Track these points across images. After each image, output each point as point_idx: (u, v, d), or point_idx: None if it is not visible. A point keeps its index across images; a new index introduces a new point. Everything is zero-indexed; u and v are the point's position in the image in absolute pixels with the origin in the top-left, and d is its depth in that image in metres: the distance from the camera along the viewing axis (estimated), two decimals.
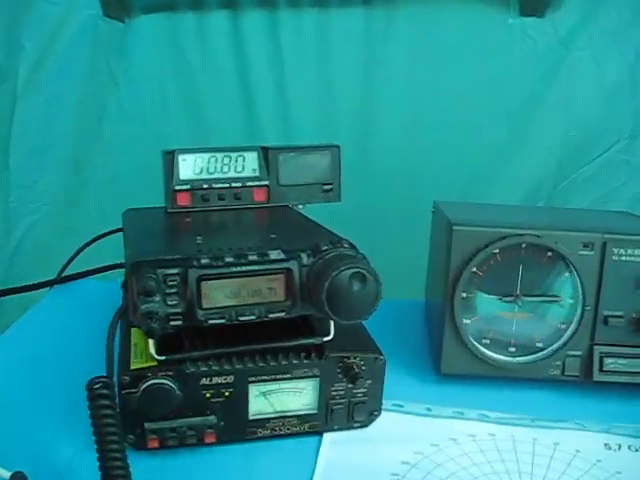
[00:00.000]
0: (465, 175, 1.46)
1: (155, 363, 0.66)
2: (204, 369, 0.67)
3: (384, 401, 0.74)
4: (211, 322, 0.61)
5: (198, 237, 0.70)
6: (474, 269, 0.78)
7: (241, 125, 1.51)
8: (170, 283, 0.60)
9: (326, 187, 0.88)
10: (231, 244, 0.65)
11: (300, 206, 0.88)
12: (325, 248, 0.63)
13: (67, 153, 1.54)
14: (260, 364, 0.68)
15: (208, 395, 0.68)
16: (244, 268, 0.61)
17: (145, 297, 0.59)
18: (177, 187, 0.84)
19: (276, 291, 0.63)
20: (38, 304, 1.07)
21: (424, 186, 1.41)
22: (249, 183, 0.86)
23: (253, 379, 0.68)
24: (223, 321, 0.61)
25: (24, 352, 0.91)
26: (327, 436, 0.72)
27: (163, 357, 0.66)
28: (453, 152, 1.44)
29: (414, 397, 0.80)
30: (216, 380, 0.67)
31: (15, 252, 1.57)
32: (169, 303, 0.60)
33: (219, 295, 0.61)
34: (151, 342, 0.66)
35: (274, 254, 0.63)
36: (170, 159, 0.84)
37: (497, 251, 0.78)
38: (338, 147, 0.88)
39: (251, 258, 0.62)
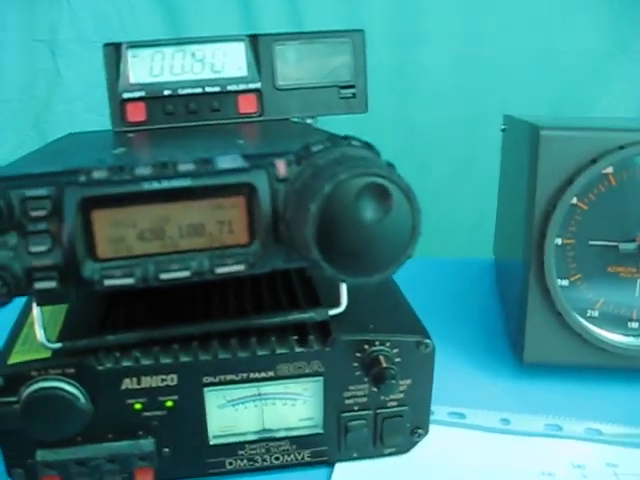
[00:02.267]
0: (546, 97, 1.12)
1: (47, 354, 0.40)
2: (127, 364, 0.40)
3: (434, 409, 0.47)
4: (109, 283, 0.34)
5: (119, 149, 0.43)
6: (574, 200, 0.51)
7: (232, 9, 1.12)
8: (33, 214, 0.33)
9: (345, 92, 0.60)
10: (161, 155, 0.38)
11: (309, 120, 0.60)
12: (318, 148, 0.35)
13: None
14: (221, 355, 0.41)
15: (138, 406, 0.41)
16: (167, 184, 0.34)
17: None
18: (126, 95, 0.57)
19: (232, 226, 0.35)
20: None
21: (488, 111, 1.09)
22: (232, 87, 0.59)
23: (211, 380, 0.41)
24: (132, 281, 0.34)
25: None
26: (341, 470, 0.45)
27: (59, 344, 0.40)
28: (528, 66, 1.10)
29: (482, 402, 0.52)
30: (149, 382, 0.41)
31: None
32: (32, 250, 0.33)
33: (128, 235, 0.34)
34: (37, 318, 0.39)
35: (225, 160, 0.35)
36: (114, 55, 0.58)
37: (610, 170, 0.50)
38: (362, 32, 0.60)
39: (183, 168, 0.34)
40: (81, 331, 0.41)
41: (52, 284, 0.34)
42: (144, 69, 0.58)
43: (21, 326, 0.45)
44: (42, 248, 0.33)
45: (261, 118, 0.59)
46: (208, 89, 0.58)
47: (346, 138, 0.36)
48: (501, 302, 0.69)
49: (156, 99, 0.57)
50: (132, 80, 0.57)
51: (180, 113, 0.58)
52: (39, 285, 0.34)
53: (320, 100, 0.60)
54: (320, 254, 0.32)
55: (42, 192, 0.33)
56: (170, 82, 0.58)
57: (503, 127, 0.69)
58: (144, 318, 0.42)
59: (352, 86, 0.60)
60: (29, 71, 1.12)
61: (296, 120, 0.60)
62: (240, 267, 0.35)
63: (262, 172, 0.35)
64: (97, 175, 0.34)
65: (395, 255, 0.33)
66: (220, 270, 0.35)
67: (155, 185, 0.34)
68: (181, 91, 0.58)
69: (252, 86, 0.59)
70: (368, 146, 0.36)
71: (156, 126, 0.58)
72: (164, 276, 0.34)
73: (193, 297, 0.45)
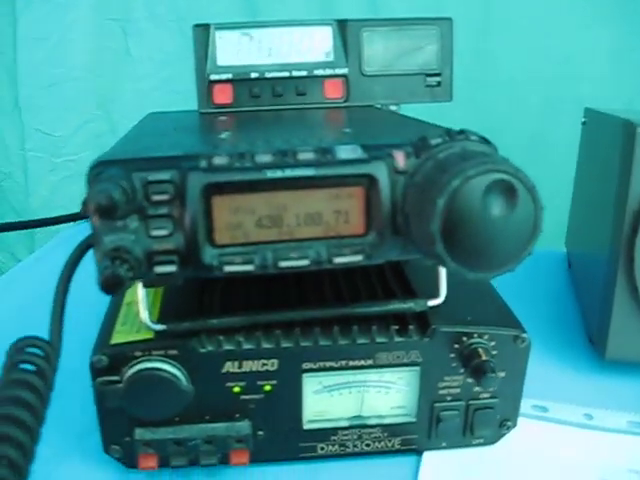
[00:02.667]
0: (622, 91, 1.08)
1: (151, 336, 0.40)
2: (229, 348, 0.41)
3: None
4: (229, 269, 0.34)
5: (224, 133, 0.43)
6: None
7: None
8: (155, 198, 0.33)
9: (431, 80, 0.60)
10: (274, 139, 0.38)
11: (393, 107, 0.60)
12: (437, 142, 0.35)
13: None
14: (322, 342, 0.41)
15: (237, 389, 0.42)
16: (290, 173, 0.34)
17: (109, 222, 0.33)
18: (213, 77, 0.57)
19: (348, 216, 0.35)
20: (51, 242, 0.83)
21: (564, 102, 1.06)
22: (319, 72, 0.58)
23: (311, 366, 0.41)
24: (251, 268, 0.34)
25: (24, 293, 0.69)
26: (429, 458, 0.45)
27: (162, 326, 0.40)
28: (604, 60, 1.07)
29: (563, 396, 0.52)
30: (250, 366, 0.41)
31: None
32: (154, 234, 0.34)
33: (246, 222, 0.34)
34: (142, 300, 0.40)
35: (346, 150, 0.35)
36: (203, 36, 0.58)
37: None
38: (450, 21, 0.60)
39: (304, 157, 0.34)
40: (181, 313, 0.41)
41: (172, 268, 0.34)
42: (232, 51, 0.58)
43: (118, 306, 0.45)
44: (163, 232, 0.34)
45: (346, 104, 0.59)
46: (295, 73, 0.58)
47: (462, 132, 0.36)
48: (576, 296, 0.68)
49: (243, 81, 0.58)
50: (220, 62, 0.57)
51: (266, 96, 0.58)
52: (159, 269, 0.34)
53: (405, 87, 0.60)
54: (444, 248, 0.32)
55: (165, 176, 0.33)
56: (257, 65, 0.58)
57: (584, 120, 0.68)
58: (241, 302, 0.43)
59: (438, 74, 0.60)
60: (98, 50, 1.11)
61: (379, 107, 0.60)
62: (358, 257, 0.35)
63: (382, 163, 0.34)
64: (218, 161, 0.34)
65: (516, 251, 0.33)
66: (338, 260, 0.35)
67: (278, 173, 0.33)
68: (268, 74, 0.58)
69: (339, 71, 0.58)
70: (485, 141, 0.36)
71: (242, 108, 0.58)
72: (283, 264, 0.34)
73: (286, 283, 0.45)
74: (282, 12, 1.04)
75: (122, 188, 0.32)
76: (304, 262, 0.34)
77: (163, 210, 0.34)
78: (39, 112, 1.14)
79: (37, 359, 0.33)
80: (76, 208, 0.89)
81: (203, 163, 0.34)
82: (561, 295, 0.69)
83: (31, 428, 0.30)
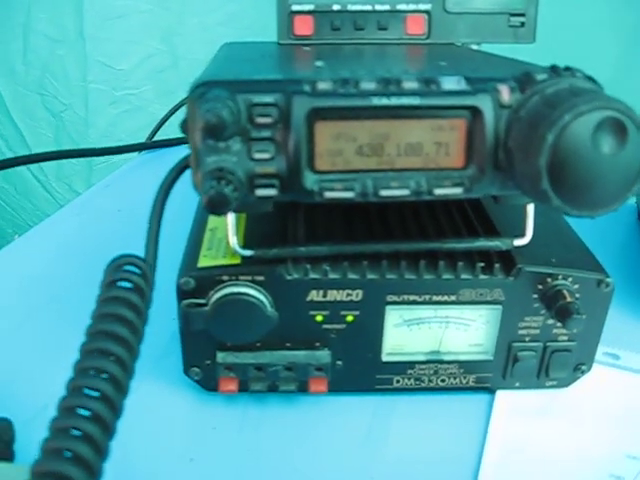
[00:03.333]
0: None
1: (238, 261, 0.41)
2: (315, 276, 0.41)
3: None
4: (330, 195, 0.34)
5: (318, 62, 0.42)
6: None
7: None
8: (259, 121, 0.33)
9: (514, 20, 0.58)
10: (376, 70, 0.38)
11: (474, 47, 0.59)
12: (543, 77, 0.34)
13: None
14: (407, 276, 0.41)
15: (320, 318, 0.42)
16: (396, 101, 0.33)
17: (213, 142, 0.33)
18: (295, 7, 0.56)
19: (449, 148, 0.35)
20: (119, 170, 0.84)
21: None
22: (402, 7, 0.57)
23: (394, 299, 0.42)
24: (351, 195, 0.34)
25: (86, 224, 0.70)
26: (502, 397, 0.46)
27: (250, 252, 0.40)
28: None
29: (635, 345, 0.52)
30: (334, 295, 0.41)
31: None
32: (256, 157, 0.34)
33: (347, 149, 0.34)
34: (231, 225, 0.40)
35: (450, 81, 0.34)
36: None
37: None
38: None
39: (409, 85, 0.34)
40: (266, 241, 0.42)
41: (273, 192, 0.34)
42: None
43: (201, 231, 0.46)
44: (265, 155, 0.34)
45: (428, 41, 0.58)
46: (377, 7, 0.57)
47: (569, 69, 0.35)
48: None
49: (325, 13, 0.57)
50: None
51: (347, 29, 0.57)
52: (260, 192, 0.34)
53: (488, 26, 0.58)
54: (550, 185, 0.31)
55: (270, 99, 0.33)
56: None
57: None
58: (327, 233, 0.43)
59: (522, 14, 0.58)
60: None
61: (460, 45, 0.59)
62: (458, 190, 0.35)
63: (487, 96, 0.34)
64: (323, 86, 0.34)
65: (622, 191, 0.32)
66: (438, 191, 0.34)
67: (384, 101, 0.33)
68: (350, 7, 0.56)
69: (422, 7, 0.57)
70: (591, 79, 0.35)
71: (323, 41, 0.57)
72: (384, 192, 0.34)
73: (370, 217, 0.45)
74: None
75: (230, 108, 0.32)
76: (404, 192, 0.34)
77: (266, 133, 0.34)
78: (103, 44, 1.14)
79: (136, 277, 0.34)
80: (135, 140, 0.90)
81: (307, 87, 0.34)
82: (631, 247, 0.68)
83: (132, 346, 0.31)
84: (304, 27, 0.57)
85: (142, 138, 0.89)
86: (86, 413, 0.27)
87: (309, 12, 0.57)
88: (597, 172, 0.31)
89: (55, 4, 1.11)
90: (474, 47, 0.59)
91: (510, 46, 0.57)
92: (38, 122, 1.27)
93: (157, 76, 1.14)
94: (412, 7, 0.57)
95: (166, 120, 0.86)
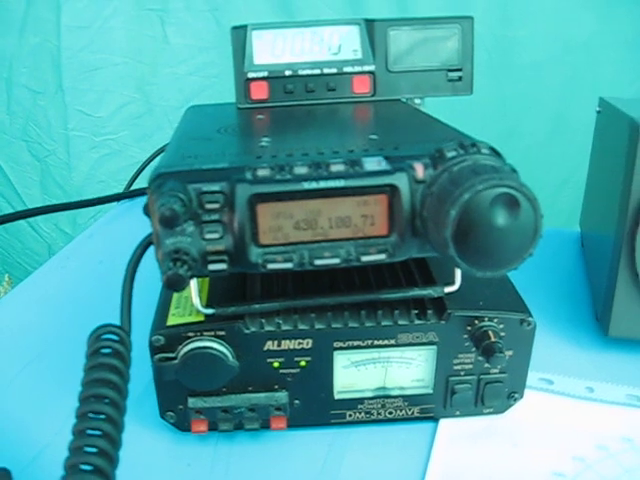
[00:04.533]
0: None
1: (201, 318, 0.47)
2: (270, 329, 0.47)
3: None
4: (272, 267, 0.40)
5: (264, 139, 0.48)
6: None
7: None
8: (208, 206, 0.39)
9: (453, 74, 0.65)
10: (309, 148, 0.44)
11: (417, 101, 0.65)
12: (452, 154, 0.40)
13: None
14: (351, 324, 0.47)
15: (276, 364, 0.48)
16: (324, 184, 0.39)
17: (169, 227, 0.39)
18: (251, 75, 0.63)
19: (374, 220, 0.40)
20: (101, 219, 0.89)
21: (583, 85, 1.10)
22: (348, 69, 0.63)
23: (341, 345, 0.48)
24: (290, 266, 0.40)
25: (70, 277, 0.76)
26: (445, 425, 0.51)
27: (212, 310, 0.46)
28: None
29: (568, 369, 0.58)
30: (287, 345, 0.47)
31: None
32: (207, 237, 0.39)
33: (285, 225, 0.40)
34: (194, 288, 0.46)
35: (371, 162, 0.40)
36: (240, 37, 0.63)
37: None
38: (471, 19, 0.64)
39: (335, 168, 0.40)
40: (227, 299, 0.47)
41: (223, 266, 0.40)
42: (267, 50, 0.63)
43: (170, 295, 0.51)
44: (215, 235, 0.39)
45: (373, 98, 0.64)
46: (326, 70, 0.63)
47: (475, 145, 0.41)
48: (587, 274, 0.73)
49: (278, 79, 0.63)
50: (256, 61, 0.62)
51: (299, 92, 0.63)
52: (213, 267, 0.40)
53: (429, 82, 0.64)
54: (456, 252, 0.37)
55: (216, 187, 0.39)
56: (291, 63, 0.63)
57: (598, 109, 0.71)
58: (280, 290, 0.48)
59: (459, 69, 0.64)
60: (138, 37, 1.17)
61: (404, 101, 0.65)
62: (382, 256, 0.40)
63: (404, 175, 0.40)
64: (262, 173, 0.39)
65: (519, 253, 0.38)
66: (365, 258, 0.40)
67: (314, 185, 0.39)
68: (301, 72, 0.63)
69: (367, 68, 0.63)
70: (495, 153, 0.41)
71: (276, 104, 0.63)
72: (318, 262, 0.40)
73: (319, 272, 0.50)
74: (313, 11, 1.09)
75: (181, 200, 0.38)
76: (335, 260, 0.40)
77: (215, 216, 0.39)
78: (81, 95, 1.21)
79: (115, 344, 0.39)
80: (115, 184, 0.97)
81: (249, 175, 0.39)
82: (573, 273, 0.74)
83: (120, 405, 0.37)
84: (260, 92, 0.63)
85: (123, 180, 0.96)
86: (87, 467, 0.33)
87: (263, 78, 0.63)
88: (496, 240, 0.37)
89: (35, 59, 1.18)
90: (417, 101, 0.65)
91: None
92: (24, 167, 1.34)
93: (133, 122, 1.21)
94: (357, 69, 0.63)
95: (142, 170, 0.92)
